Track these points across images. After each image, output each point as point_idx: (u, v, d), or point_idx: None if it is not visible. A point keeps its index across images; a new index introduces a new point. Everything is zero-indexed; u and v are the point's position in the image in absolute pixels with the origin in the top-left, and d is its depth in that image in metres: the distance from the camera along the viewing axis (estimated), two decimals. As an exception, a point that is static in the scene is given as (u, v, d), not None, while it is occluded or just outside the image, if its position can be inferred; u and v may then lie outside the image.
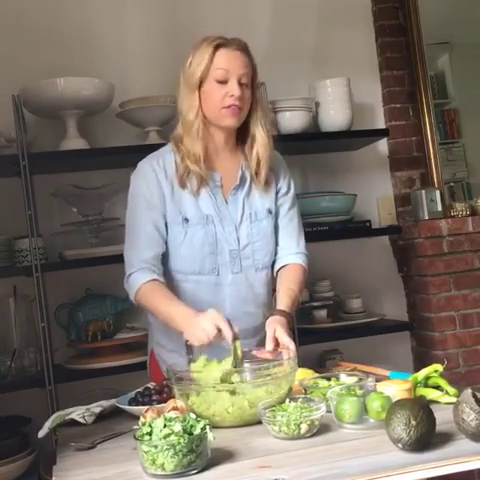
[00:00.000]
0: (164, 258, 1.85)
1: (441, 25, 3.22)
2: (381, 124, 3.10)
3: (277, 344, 1.68)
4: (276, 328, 1.68)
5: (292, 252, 1.94)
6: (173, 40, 2.80)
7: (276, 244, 1.93)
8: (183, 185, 1.82)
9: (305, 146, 2.85)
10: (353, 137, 2.84)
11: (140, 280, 1.77)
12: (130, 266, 1.81)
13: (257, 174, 1.86)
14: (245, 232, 1.85)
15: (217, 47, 1.77)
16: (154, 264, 1.80)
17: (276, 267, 1.93)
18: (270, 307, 1.90)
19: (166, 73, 2.74)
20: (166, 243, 1.84)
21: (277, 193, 1.93)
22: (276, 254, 1.93)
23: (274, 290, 1.92)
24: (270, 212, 1.89)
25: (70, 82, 2.47)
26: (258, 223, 1.87)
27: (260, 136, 1.84)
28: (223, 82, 1.76)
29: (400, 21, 3.09)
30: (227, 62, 1.76)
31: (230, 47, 1.78)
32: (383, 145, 3.09)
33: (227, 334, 1.56)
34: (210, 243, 1.81)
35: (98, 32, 2.78)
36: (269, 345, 1.67)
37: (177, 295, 1.80)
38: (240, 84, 1.76)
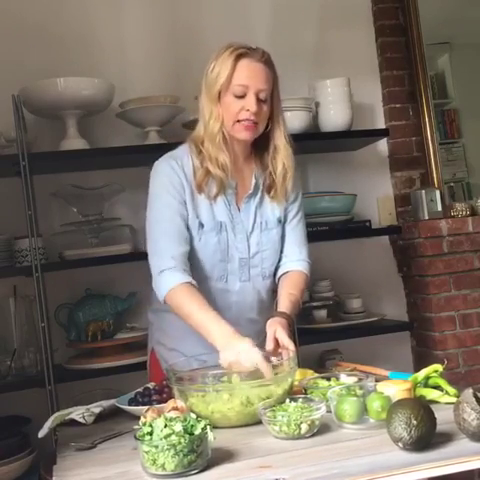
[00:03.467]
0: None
1: (441, 25, 3.22)
2: (381, 124, 3.10)
3: (277, 345, 1.68)
4: (276, 329, 1.68)
5: (294, 259, 1.93)
6: (173, 40, 2.80)
7: (291, 246, 1.92)
8: (201, 189, 1.79)
9: (305, 146, 2.83)
10: (353, 137, 2.84)
11: (174, 280, 1.71)
12: (162, 261, 1.74)
13: (281, 185, 1.84)
14: (255, 240, 1.84)
15: (239, 57, 1.74)
16: (184, 262, 1.75)
17: (278, 273, 1.93)
18: (271, 312, 1.89)
19: (166, 73, 2.76)
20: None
21: (289, 197, 1.91)
22: (279, 261, 1.93)
23: (275, 295, 1.91)
24: (280, 221, 1.89)
25: (70, 82, 2.47)
26: (268, 232, 1.86)
27: (284, 148, 1.82)
28: (241, 97, 1.74)
29: (400, 21, 3.09)
30: (247, 77, 1.73)
31: (252, 58, 1.75)
32: (383, 145, 3.09)
33: (268, 375, 1.52)
34: (222, 250, 1.80)
35: (98, 32, 2.78)
36: (269, 345, 1.67)
37: None
38: (258, 99, 1.74)
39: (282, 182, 1.84)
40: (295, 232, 1.94)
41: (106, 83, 2.56)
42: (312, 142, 2.81)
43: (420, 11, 3.07)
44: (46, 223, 2.63)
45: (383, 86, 3.10)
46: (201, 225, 1.79)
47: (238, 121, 1.75)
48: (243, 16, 2.93)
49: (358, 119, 2.87)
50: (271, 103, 1.79)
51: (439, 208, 2.92)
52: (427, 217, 2.91)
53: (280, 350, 1.66)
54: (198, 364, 1.64)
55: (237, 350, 1.56)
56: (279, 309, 1.80)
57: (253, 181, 1.85)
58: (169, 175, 1.79)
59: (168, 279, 1.72)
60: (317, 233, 2.75)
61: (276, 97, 1.81)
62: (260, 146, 1.85)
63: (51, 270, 2.51)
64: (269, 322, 1.73)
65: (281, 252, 1.92)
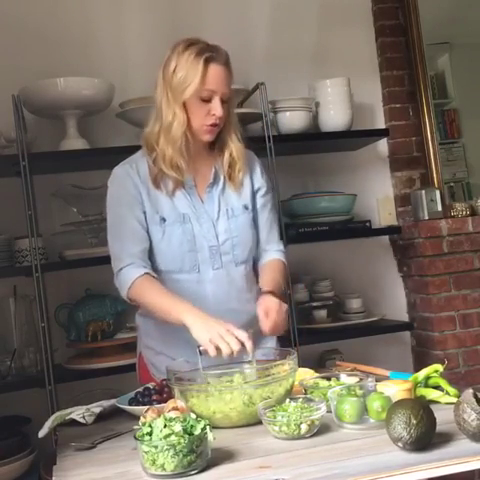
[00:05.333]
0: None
1: (441, 25, 3.22)
2: (381, 124, 3.10)
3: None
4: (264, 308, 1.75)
5: (274, 249, 1.99)
6: (173, 40, 2.78)
7: (257, 241, 1.96)
8: (157, 186, 1.83)
9: (305, 146, 2.85)
10: (353, 137, 2.84)
11: (133, 275, 1.76)
12: (119, 261, 1.81)
13: (231, 176, 1.89)
14: (223, 228, 1.86)
15: (207, 62, 1.74)
16: (143, 258, 1.80)
17: (262, 260, 1.98)
18: (254, 303, 1.91)
19: (166, 73, 2.75)
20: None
21: (257, 192, 1.95)
22: (258, 252, 1.97)
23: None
24: (246, 208, 1.91)
25: (70, 82, 2.47)
26: (235, 219, 1.88)
27: (232, 141, 1.87)
28: (207, 101, 1.77)
29: (400, 21, 3.09)
30: (215, 83, 1.76)
31: (218, 62, 1.76)
32: (383, 145, 3.09)
33: (251, 350, 1.55)
34: (188, 241, 1.82)
35: (98, 32, 2.78)
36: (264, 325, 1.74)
37: None
38: (222, 101, 1.78)
39: (228, 171, 1.89)
40: (270, 223, 1.99)
41: (106, 83, 2.57)
42: (312, 142, 2.82)
43: (420, 11, 3.07)
44: (46, 223, 2.63)
45: (383, 86, 3.10)
46: (163, 219, 1.82)
47: (204, 125, 1.79)
48: (243, 16, 2.93)
49: (358, 119, 2.87)
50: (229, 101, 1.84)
51: (439, 208, 2.92)
52: (427, 217, 2.91)
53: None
54: (189, 367, 1.64)
55: (221, 329, 1.56)
56: (263, 289, 1.86)
57: (212, 171, 1.88)
58: (122, 180, 1.84)
59: (126, 276, 1.77)
60: (317, 233, 2.76)
61: (232, 94, 1.86)
62: (215, 142, 1.89)
63: (51, 270, 2.51)
64: (258, 302, 1.79)
65: (258, 242, 1.96)
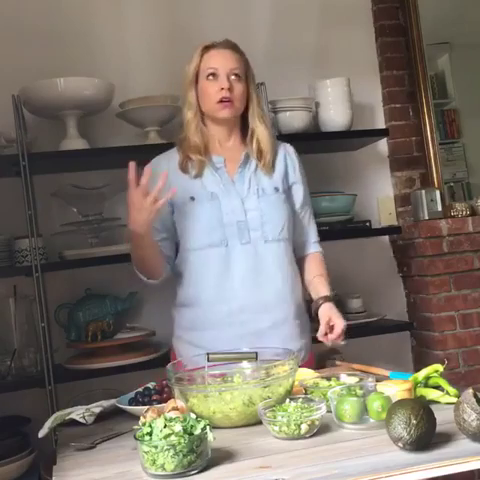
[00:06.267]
0: (177, 237, 1.97)
1: (441, 25, 3.22)
2: (381, 124, 3.09)
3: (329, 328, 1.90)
4: (331, 316, 1.93)
5: (314, 241, 2.12)
6: (173, 40, 2.80)
7: (301, 231, 2.06)
8: (184, 168, 1.94)
9: (305, 146, 2.83)
10: (353, 137, 2.84)
11: None
12: None
13: (262, 162, 1.97)
14: (253, 205, 1.93)
15: (205, 49, 1.95)
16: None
17: (301, 253, 2.10)
18: (286, 284, 1.97)
19: (166, 73, 2.75)
20: (174, 227, 1.98)
21: (293, 184, 2.04)
22: (300, 240, 2.06)
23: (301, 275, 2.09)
24: (277, 190, 1.97)
25: (70, 82, 2.47)
26: (266, 197, 1.95)
27: (259, 129, 1.96)
28: (214, 78, 1.90)
29: (400, 21, 3.09)
30: (215, 61, 1.92)
31: (218, 47, 1.95)
32: (383, 145, 3.09)
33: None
34: (216, 216, 1.89)
35: (98, 32, 2.78)
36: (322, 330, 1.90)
37: (189, 269, 1.92)
38: (231, 78, 1.90)
39: (260, 158, 1.97)
40: (309, 212, 2.11)
41: (106, 83, 2.56)
42: (312, 142, 2.81)
43: (420, 11, 3.06)
44: (46, 223, 2.62)
45: (383, 86, 3.10)
46: (192, 198, 1.92)
47: (217, 102, 1.91)
48: (243, 16, 2.93)
49: (358, 119, 2.87)
50: (246, 84, 1.95)
51: (439, 208, 2.92)
52: (427, 217, 2.90)
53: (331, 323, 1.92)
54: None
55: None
56: (321, 293, 2.04)
57: (243, 153, 1.96)
58: (147, 174, 1.90)
59: None
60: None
61: (250, 79, 1.97)
62: (245, 127, 2.00)
63: (51, 270, 2.51)
64: (321, 311, 1.97)
65: (302, 233, 2.06)
